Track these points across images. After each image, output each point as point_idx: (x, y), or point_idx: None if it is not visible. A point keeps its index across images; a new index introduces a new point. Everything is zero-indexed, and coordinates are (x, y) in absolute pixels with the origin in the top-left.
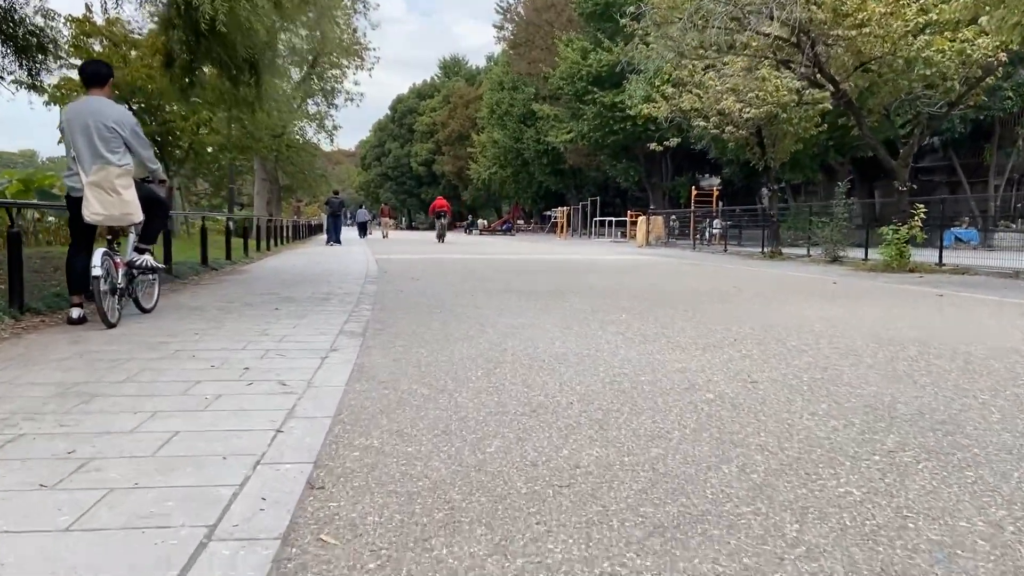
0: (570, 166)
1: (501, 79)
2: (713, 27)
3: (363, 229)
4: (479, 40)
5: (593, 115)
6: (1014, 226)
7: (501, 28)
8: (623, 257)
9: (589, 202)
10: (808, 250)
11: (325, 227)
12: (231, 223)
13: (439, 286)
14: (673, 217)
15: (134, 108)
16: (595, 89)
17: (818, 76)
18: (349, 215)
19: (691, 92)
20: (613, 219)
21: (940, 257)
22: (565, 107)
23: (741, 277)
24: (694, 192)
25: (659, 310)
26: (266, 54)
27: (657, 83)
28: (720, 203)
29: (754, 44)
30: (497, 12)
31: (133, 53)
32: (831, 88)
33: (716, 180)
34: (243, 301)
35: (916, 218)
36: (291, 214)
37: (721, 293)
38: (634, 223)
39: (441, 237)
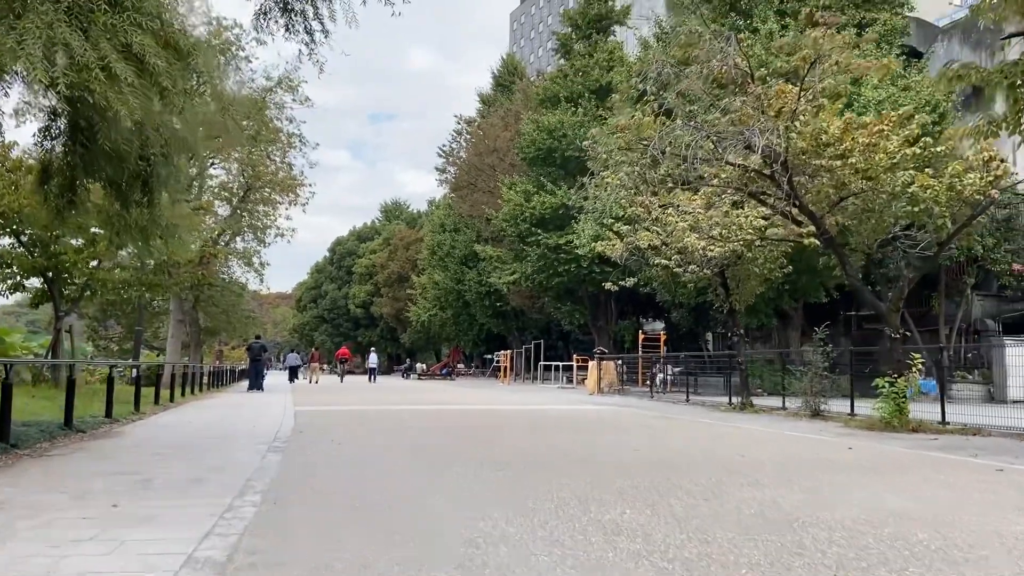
0: (512, 308)
1: (443, 221)
2: (682, 156)
3: (293, 373)
4: (421, 187)
5: (537, 257)
6: (970, 377)
7: (443, 171)
8: (580, 408)
9: (532, 345)
10: (783, 402)
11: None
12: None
13: (367, 454)
14: (620, 362)
15: (23, 239)
16: (539, 231)
17: (793, 212)
18: (282, 358)
19: (648, 230)
20: (560, 364)
21: (943, 414)
22: (508, 249)
23: (733, 439)
24: (641, 337)
25: (671, 499)
26: (161, 170)
27: (608, 221)
28: (666, 348)
29: (723, 175)
30: (439, 156)
31: (29, 178)
32: (809, 225)
33: (660, 324)
34: (76, 488)
35: (914, 368)
36: (212, 359)
37: (729, 465)
38: (582, 367)
39: (342, 377)
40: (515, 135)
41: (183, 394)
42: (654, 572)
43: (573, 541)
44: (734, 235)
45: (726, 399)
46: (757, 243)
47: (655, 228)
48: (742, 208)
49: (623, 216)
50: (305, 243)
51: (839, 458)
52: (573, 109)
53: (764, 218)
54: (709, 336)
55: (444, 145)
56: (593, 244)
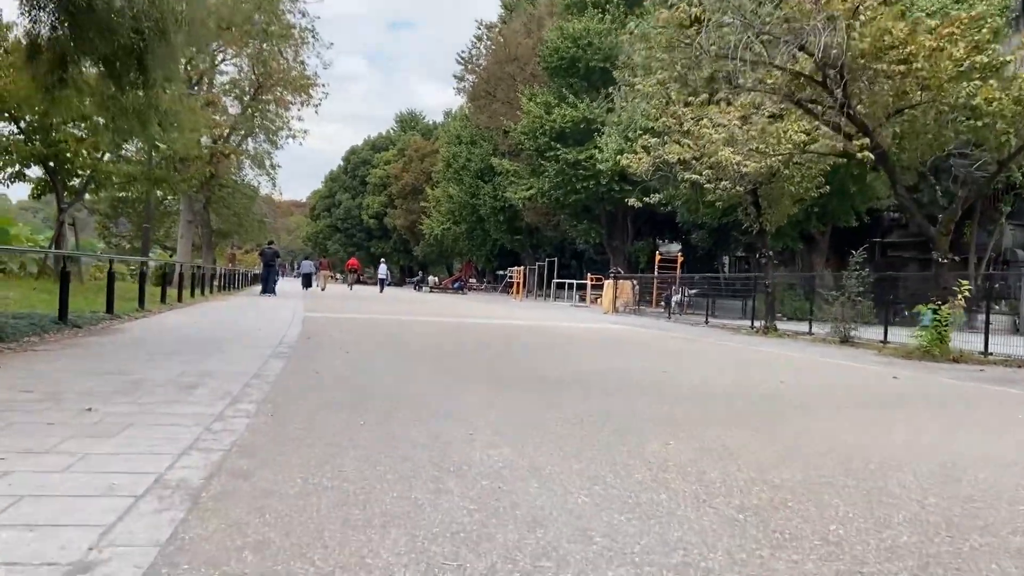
0: (527, 224)
1: (459, 133)
2: (728, 57)
3: (307, 281)
4: (439, 100)
5: (555, 172)
6: (997, 308)
7: (462, 79)
8: (598, 326)
9: (546, 263)
10: (810, 327)
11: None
12: (146, 268)
13: (376, 366)
14: (635, 283)
15: (22, 126)
16: (558, 145)
17: (844, 123)
18: (296, 265)
19: (678, 143)
20: (574, 282)
21: (986, 344)
22: (525, 163)
23: (767, 365)
24: (657, 258)
25: (716, 428)
26: (158, 46)
27: (633, 135)
28: (682, 270)
29: (769, 80)
30: (458, 63)
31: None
32: (860, 138)
33: (676, 246)
34: (49, 388)
35: (960, 296)
36: (225, 262)
37: (771, 392)
38: (597, 286)
39: (351, 286)
40: (538, 43)
41: (192, 295)
42: (723, 524)
43: (616, 477)
44: (772, 149)
45: (746, 323)
46: (795, 159)
47: (686, 141)
48: (781, 121)
49: (650, 129)
50: (320, 152)
51: (888, 389)
52: (600, 16)
53: (805, 132)
54: (726, 259)
55: (463, 52)
56: (617, 158)
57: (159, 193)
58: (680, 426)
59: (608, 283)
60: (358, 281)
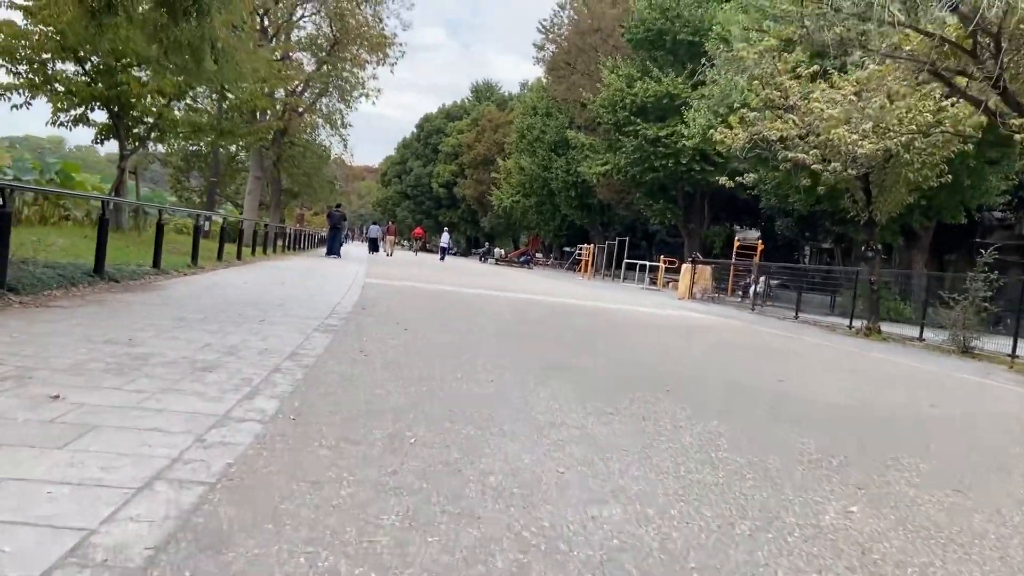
0: (599, 201)
1: (535, 104)
2: (861, 16)
3: (373, 245)
4: (516, 72)
5: (632, 148)
6: None
7: (541, 48)
8: (679, 314)
9: (616, 242)
10: (921, 332)
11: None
12: (206, 223)
13: (435, 351)
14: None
15: (86, 67)
16: (638, 120)
17: (993, 100)
18: (364, 230)
19: (782, 118)
20: (648, 263)
21: None
22: (602, 138)
23: (897, 378)
24: (736, 244)
25: (906, 483)
26: None
27: (724, 111)
28: (761, 258)
29: (907, 47)
30: (539, 31)
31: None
32: (1014, 117)
33: (755, 233)
34: (29, 361)
35: None
36: (293, 222)
37: (929, 422)
38: (671, 270)
39: (416, 252)
40: (623, 13)
41: (253, 253)
42: None
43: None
44: (894, 129)
45: (839, 320)
46: (917, 143)
47: (790, 117)
48: (901, 100)
49: (746, 104)
50: (394, 119)
51: None
52: None
53: (932, 113)
54: (807, 249)
55: (545, 20)
56: (709, 132)
57: (231, 148)
58: (848, 474)
59: (686, 267)
60: (423, 248)
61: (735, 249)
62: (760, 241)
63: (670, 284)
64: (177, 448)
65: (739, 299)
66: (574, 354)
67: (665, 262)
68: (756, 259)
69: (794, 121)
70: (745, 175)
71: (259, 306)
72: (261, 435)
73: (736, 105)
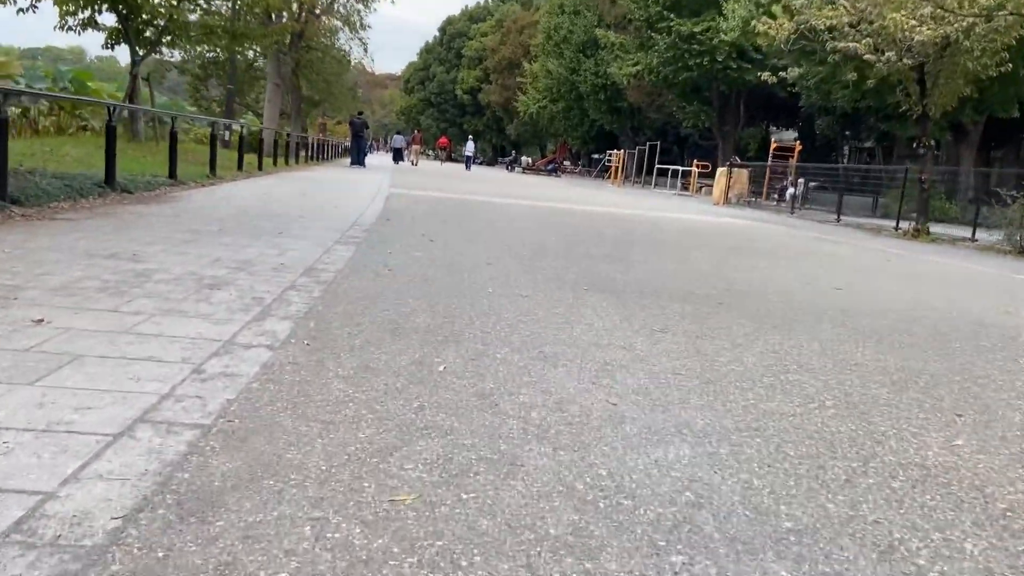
0: (629, 105)
1: (562, 2)
2: None
3: (398, 155)
4: None
5: (665, 47)
6: None
7: None
8: (717, 220)
9: (647, 147)
10: (973, 232)
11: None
12: (226, 132)
13: (463, 261)
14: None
15: None
16: (671, 16)
17: None
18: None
19: (832, 4)
20: (680, 168)
21: None
22: (632, 36)
23: (963, 282)
24: (773, 145)
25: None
26: None
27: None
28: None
29: None
30: None
31: None
32: None
33: (791, 134)
34: (19, 279)
35: None
36: (316, 131)
37: (1006, 332)
38: (705, 174)
39: (441, 162)
40: None
41: (275, 163)
42: None
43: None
44: (955, 12)
45: (884, 223)
46: (979, 28)
47: (842, 3)
48: None
49: None
50: (416, 24)
51: None
52: None
53: None
54: (846, 149)
55: None
56: (752, 24)
57: (248, 54)
58: (940, 397)
59: (721, 171)
60: (449, 158)
61: (771, 151)
62: (798, 142)
63: (703, 189)
64: (169, 382)
65: (775, 203)
66: (613, 266)
67: (698, 166)
68: (793, 161)
69: (845, 7)
70: (788, 70)
71: (278, 218)
72: (269, 364)
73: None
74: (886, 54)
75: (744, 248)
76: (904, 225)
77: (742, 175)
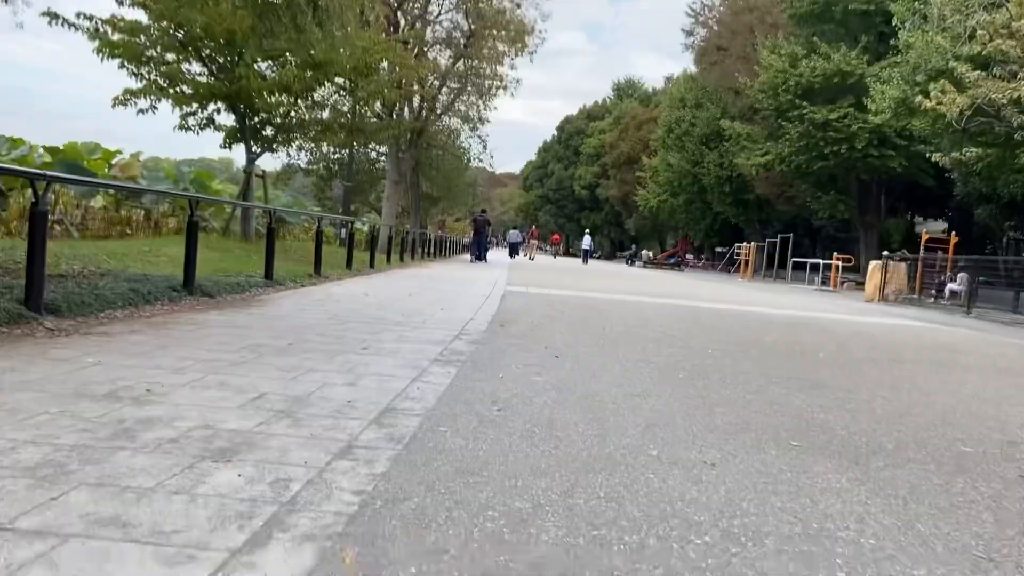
0: (756, 196)
1: (683, 95)
2: None
3: (514, 250)
4: (658, 70)
5: (798, 135)
6: None
7: (690, 34)
8: (889, 322)
9: (779, 240)
10: None
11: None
12: (340, 230)
13: (602, 384)
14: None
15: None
16: (804, 104)
17: None
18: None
19: (1017, 75)
20: (818, 261)
21: None
22: (761, 126)
23: None
24: (924, 237)
25: None
26: None
27: (920, 79)
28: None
29: None
30: (688, 15)
31: None
32: None
33: (941, 224)
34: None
35: None
36: (435, 228)
37: None
38: (849, 268)
39: (555, 256)
40: None
41: (388, 260)
42: None
43: None
44: None
45: None
46: None
47: None
48: None
49: (948, 70)
50: (534, 126)
51: None
52: None
53: None
54: (1005, 240)
55: (694, 3)
56: (916, 99)
57: (371, 154)
58: None
59: (874, 265)
60: (566, 252)
61: (923, 243)
62: (953, 234)
63: (845, 284)
64: (301, 479)
65: (933, 300)
66: (808, 397)
67: (839, 259)
68: (950, 253)
69: None
70: (963, 151)
71: (370, 325)
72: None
73: (942, 67)
74: None
75: (957, 364)
76: None
77: (899, 270)
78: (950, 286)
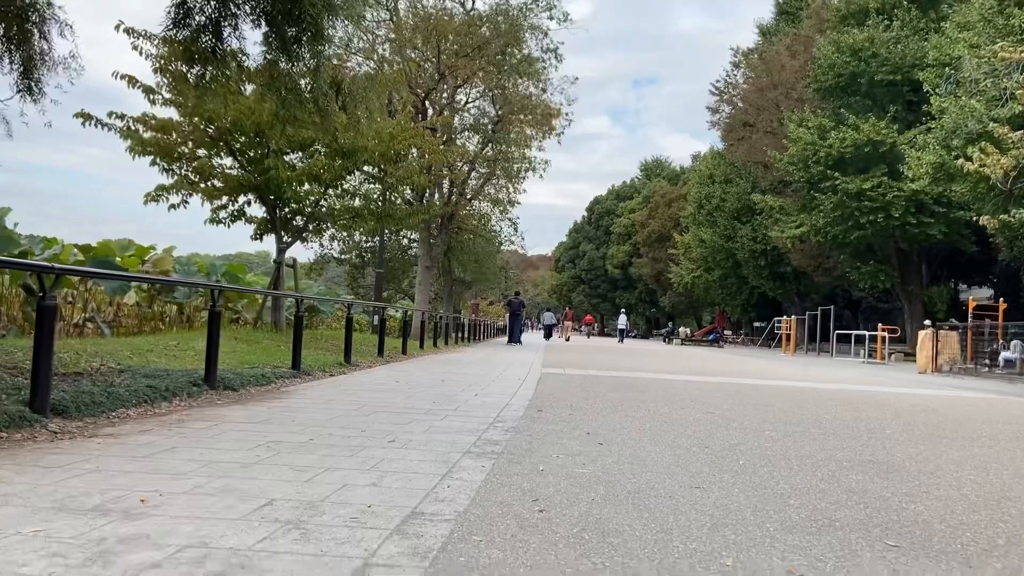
0: (792, 269)
1: (711, 172)
2: None
3: (548, 332)
4: (684, 150)
5: (832, 206)
6: None
7: (716, 111)
8: (950, 395)
9: (819, 312)
10: None
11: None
12: (373, 316)
13: (655, 476)
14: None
15: (234, 152)
16: (835, 174)
17: None
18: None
19: None
20: (864, 333)
21: None
22: (793, 198)
23: None
24: (971, 304)
25: None
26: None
27: (958, 142)
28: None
29: None
30: (712, 93)
31: (249, 87)
32: None
33: (987, 291)
34: None
35: None
36: (468, 312)
37: None
38: (895, 339)
39: (588, 336)
40: (805, 64)
41: (421, 346)
42: None
43: None
44: None
45: None
46: None
47: None
48: None
49: (986, 132)
50: (564, 208)
51: None
52: (887, 22)
53: None
54: None
55: (718, 81)
56: (958, 162)
57: (403, 240)
58: None
59: (924, 335)
60: (601, 332)
61: (971, 311)
62: (1002, 300)
63: (892, 356)
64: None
65: (987, 369)
66: (886, 484)
67: (884, 330)
68: (1000, 320)
69: None
70: (1012, 213)
71: (399, 415)
72: None
73: (979, 130)
74: None
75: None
76: None
77: (951, 339)
78: (1004, 354)
